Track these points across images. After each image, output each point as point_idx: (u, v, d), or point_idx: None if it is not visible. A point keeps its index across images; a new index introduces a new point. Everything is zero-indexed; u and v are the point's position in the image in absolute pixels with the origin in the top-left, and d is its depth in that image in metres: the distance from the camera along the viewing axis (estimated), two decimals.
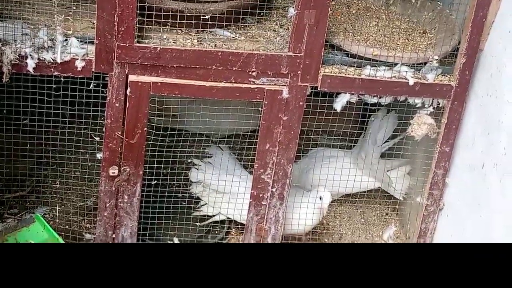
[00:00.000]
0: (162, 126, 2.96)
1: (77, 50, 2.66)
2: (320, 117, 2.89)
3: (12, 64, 2.61)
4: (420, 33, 3.02)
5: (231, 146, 3.42)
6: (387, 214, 3.47)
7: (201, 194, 3.18)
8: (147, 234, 3.02)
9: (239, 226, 3.18)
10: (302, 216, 3.04)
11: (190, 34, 2.77)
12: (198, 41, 2.75)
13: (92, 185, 3.13)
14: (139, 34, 2.69)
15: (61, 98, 2.74)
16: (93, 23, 2.68)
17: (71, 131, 2.84)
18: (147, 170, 2.90)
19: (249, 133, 3.05)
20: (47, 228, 2.92)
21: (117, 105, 2.75)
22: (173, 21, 2.72)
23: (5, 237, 2.90)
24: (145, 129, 2.78)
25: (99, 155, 2.84)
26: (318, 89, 2.80)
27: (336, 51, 2.84)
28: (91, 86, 2.74)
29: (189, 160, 3.23)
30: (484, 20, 2.76)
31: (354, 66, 2.82)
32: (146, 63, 2.70)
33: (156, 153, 2.92)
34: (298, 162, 3.25)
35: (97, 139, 2.94)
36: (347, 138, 3.28)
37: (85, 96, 2.75)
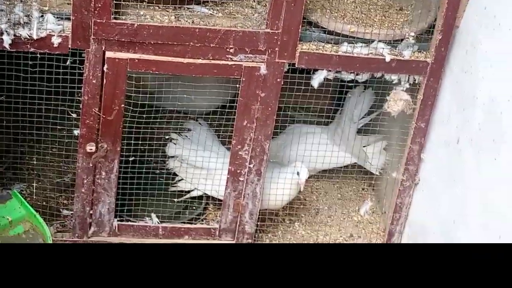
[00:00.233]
0: (139, 103, 2.95)
1: (53, 27, 2.65)
2: (297, 93, 2.90)
3: None
4: (396, 10, 3.03)
5: (209, 122, 3.42)
6: (363, 189, 3.50)
7: (178, 169, 3.19)
8: (125, 211, 3.03)
9: (217, 202, 3.19)
10: (279, 191, 3.06)
11: (167, 11, 2.76)
12: (175, 17, 2.74)
13: (70, 162, 3.13)
14: (116, 10, 2.67)
15: (37, 74, 2.72)
16: None
17: (48, 108, 2.82)
18: (125, 147, 2.90)
19: (226, 110, 3.05)
20: (24, 205, 2.91)
21: (94, 81, 2.74)
22: None
23: None
24: (123, 105, 2.77)
25: (76, 132, 2.84)
26: (296, 65, 2.81)
27: (313, 28, 2.84)
28: (68, 62, 2.72)
29: (166, 137, 3.24)
30: None
31: (331, 43, 2.83)
32: (123, 40, 2.68)
33: (134, 130, 2.92)
34: (275, 138, 3.27)
35: (74, 115, 2.93)
36: (324, 114, 3.29)
37: (62, 72, 2.73)
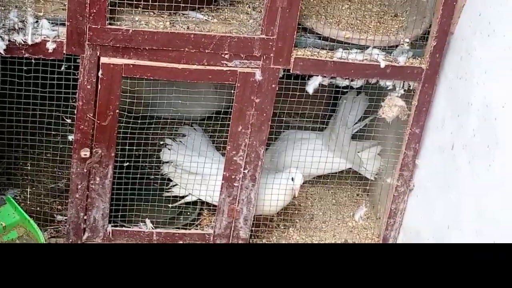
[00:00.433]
0: (133, 113, 2.95)
1: (48, 32, 2.64)
2: (292, 99, 2.90)
3: None
4: (391, 16, 3.03)
5: (204, 128, 3.42)
6: (358, 195, 3.50)
7: (172, 175, 3.19)
8: (119, 216, 3.02)
9: (211, 208, 3.19)
10: (274, 196, 3.06)
11: (162, 16, 2.76)
12: (170, 23, 2.74)
13: (64, 167, 3.12)
14: (111, 16, 2.67)
15: (32, 80, 2.72)
16: (64, 5, 2.66)
17: (42, 113, 2.82)
18: (119, 152, 2.90)
19: (221, 115, 3.05)
20: (18, 210, 2.91)
21: (88, 87, 2.73)
22: (145, 3, 2.71)
23: None
24: (117, 111, 2.77)
25: (70, 137, 2.83)
26: (291, 71, 2.81)
27: (308, 34, 2.85)
28: (63, 68, 2.72)
29: (161, 142, 3.23)
30: (454, 3, 2.79)
31: (326, 49, 2.84)
32: (118, 45, 2.68)
33: (128, 135, 2.92)
34: (270, 145, 3.27)
35: (69, 121, 2.93)
36: (318, 120, 3.29)
37: (56, 78, 2.73)
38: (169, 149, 3.20)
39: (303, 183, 3.10)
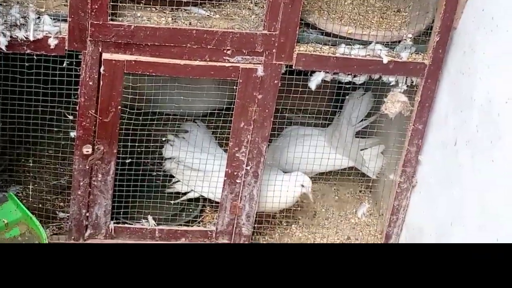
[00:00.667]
0: (135, 109, 2.94)
1: (50, 28, 2.64)
2: (295, 95, 2.89)
3: None
4: (394, 11, 3.03)
5: (206, 124, 3.41)
6: (360, 191, 3.50)
7: (175, 171, 3.18)
8: (121, 213, 3.02)
9: (214, 204, 3.18)
10: (278, 194, 3.06)
11: (164, 12, 2.75)
12: (172, 19, 2.73)
13: (66, 164, 3.12)
14: (113, 12, 2.66)
15: (34, 76, 2.71)
16: (66, 1, 2.65)
17: (44, 110, 2.81)
18: (121, 149, 2.89)
19: (223, 111, 3.05)
20: (20, 207, 2.90)
21: (90, 83, 2.73)
22: None
23: None
24: (119, 107, 2.77)
25: (72, 134, 2.83)
26: (293, 67, 2.80)
27: (311, 30, 2.84)
28: (64, 64, 2.71)
29: (163, 139, 3.23)
30: None
31: (328, 45, 2.83)
32: (120, 41, 2.68)
33: (130, 132, 2.91)
34: (273, 141, 3.26)
35: (71, 117, 2.92)
36: (321, 116, 3.28)
37: (58, 74, 2.72)
38: (171, 145, 3.19)
39: None
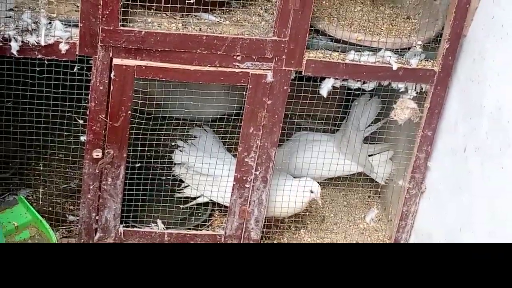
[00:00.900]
0: (145, 113, 2.95)
1: (61, 33, 2.65)
2: (304, 101, 2.90)
3: None
4: (404, 18, 3.03)
5: (215, 129, 3.42)
6: (369, 197, 3.50)
7: (184, 176, 3.19)
8: (131, 217, 3.03)
9: (223, 209, 3.19)
10: (287, 200, 3.06)
11: (175, 18, 2.77)
12: (182, 25, 2.74)
13: (76, 168, 3.13)
14: (124, 17, 2.67)
15: (44, 81, 2.73)
16: (77, 6, 2.67)
17: (54, 114, 2.83)
18: (131, 153, 2.90)
19: (233, 117, 3.06)
20: (30, 210, 2.92)
21: (101, 88, 2.74)
22: (157, 4, 2.71)
23: None
24: (129, 112, 2.78)
25: (83, 138, 2.84)
26: (303, 73, 2.81)
27: (320, 36, 2.85)
28: (75, 69, 2.73)
29: (173, 143, 3.24)
30: (467, 6, 2.78)
31: (338, 51, 2.83)
32: (130, 47, 2.69)
33: (140, 136, 2.93)
34: (281, 146, 3.27)
35: (81, 122, 2.94)
36: (330, 122, 3.29)
37: (69, 79, 2.74)
38: (180, 151, 3.20)
39: None
